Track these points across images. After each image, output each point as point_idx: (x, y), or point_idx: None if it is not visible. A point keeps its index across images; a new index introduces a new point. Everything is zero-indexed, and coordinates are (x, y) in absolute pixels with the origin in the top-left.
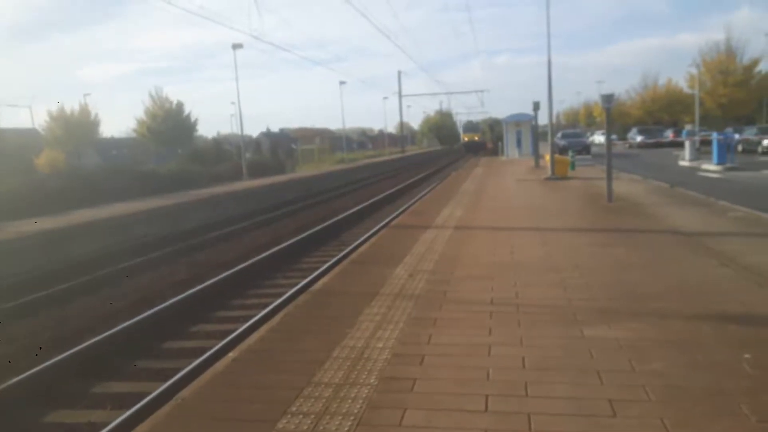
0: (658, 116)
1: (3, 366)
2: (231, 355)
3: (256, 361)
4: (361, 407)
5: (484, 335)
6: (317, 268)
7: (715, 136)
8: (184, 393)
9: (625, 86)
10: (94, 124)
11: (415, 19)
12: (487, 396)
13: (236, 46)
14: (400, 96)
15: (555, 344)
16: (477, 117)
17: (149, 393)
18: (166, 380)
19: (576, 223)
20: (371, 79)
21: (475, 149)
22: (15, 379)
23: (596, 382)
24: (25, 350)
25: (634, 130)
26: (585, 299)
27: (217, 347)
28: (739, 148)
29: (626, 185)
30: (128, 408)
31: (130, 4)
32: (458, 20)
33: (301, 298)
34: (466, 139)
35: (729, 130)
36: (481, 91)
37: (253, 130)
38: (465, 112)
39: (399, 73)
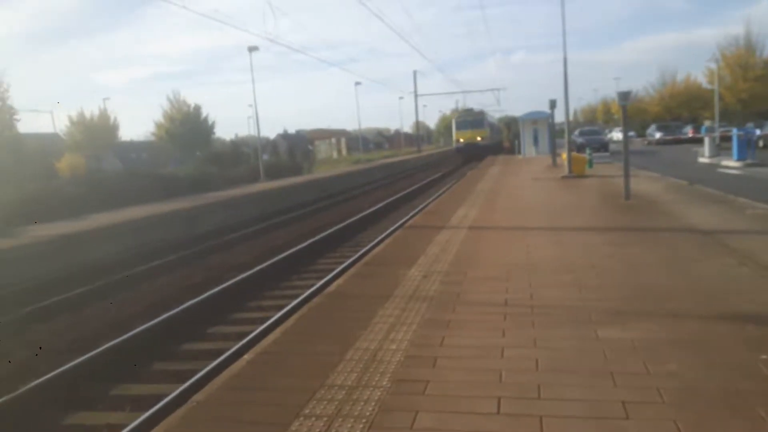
0: (677, 112)
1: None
2: (246, 357)
3: (270, 363)
4: (373, 410)
5: (498, 337)
6: (332, 270)
7: (735, 131)
8: (199, 396)
9: (642, 82)
10: (113, 128)
11: (428, 19)
12: (499, 398)
13: (252, 49)
14: (416, 95)
15: (569, 346)
16: (494, 114)
17: (167, 395)
18: (183, 382)
19: (592, 222)
20: (386, 80)
21: (477, 154)
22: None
23: (609, 383)
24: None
25: (653, 126)
26: (600, 300)
27: (232, 349)
28: (760, 143)
29: (644, 183)
30: (145, 410)
31: (147, 9)
32: (472, 18)
33: (316, 300)
34: (461, 140)
35: (750, 125)
36: (497, 89)
37: (270, 132)
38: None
39: (414, 72)
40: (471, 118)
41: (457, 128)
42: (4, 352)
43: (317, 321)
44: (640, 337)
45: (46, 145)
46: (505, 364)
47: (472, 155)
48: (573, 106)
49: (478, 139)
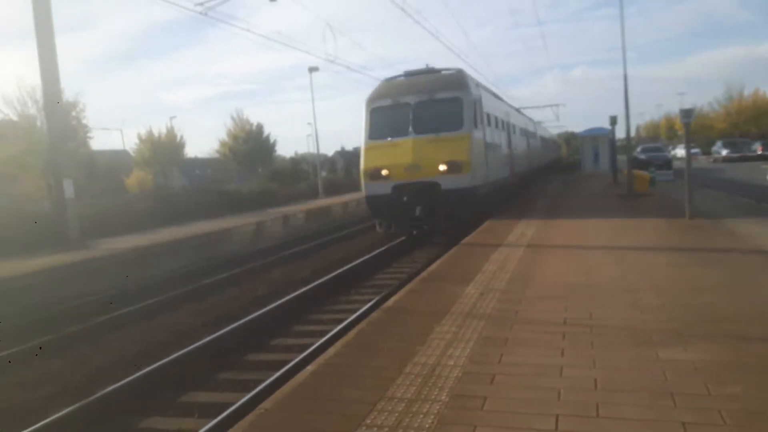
0: (744, 128)
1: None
2: (309, 368)
3: (332, 374)
4: (432, 423)
5: (557, 356)
6: (389, 285)
7: None
8: (266, 404)
9: (707, 98)
10: (179, 146)
11: (485, 36)
12: (557, 416)
13: (312, 69)
14: None
15: (629, 366)
16: (552, 131)
17: (234, 403)
18: (249, 391)
19: (654, 242)
20: None
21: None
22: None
23: (669, 404)
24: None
25: (719, 143)
26: (661, 320)
27: (295, 360)
28: None
29: (709, 202)
30: (214, 416)
31: (213, 31)
32: (529, 36)
33: (374, 315)
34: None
35: None
36: (556, 105)
37: (329, 150)
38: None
39: None
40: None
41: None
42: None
43: (376, 335)
44: (702, 358)
45: (117, 162)
46: (563, 383)
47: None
48: (635, 122)
49: (441, 168)
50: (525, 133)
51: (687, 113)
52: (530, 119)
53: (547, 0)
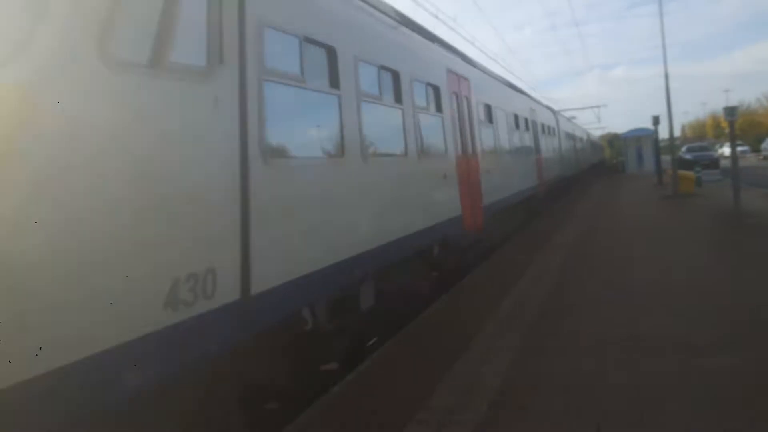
0: None
1: None
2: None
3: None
4: None
5: (598, 365)
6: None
7: None
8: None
9: (756, 93)
10: None
11: (522, 40)
12: (598, 424)
13: None
14: None
15: (668, 372)
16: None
17: None
18: None
19: (700, 245)
20: None
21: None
22: None
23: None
24: None
25: None
26: (706, 327)
27: None
28: None
29: (760, 202)
30: None
31: None
32: (567, 36)
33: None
34: None
35: None
36: (597, 106)
37: None
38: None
39: None
40: None
41: None
42: None
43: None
44: (742, 364)
45: None
46: (605, 392)
47: None
48: (679, 121)
49: None
50: (557, 135)
51: (731, 111)
52: (568, 120)
53: (585, 0)
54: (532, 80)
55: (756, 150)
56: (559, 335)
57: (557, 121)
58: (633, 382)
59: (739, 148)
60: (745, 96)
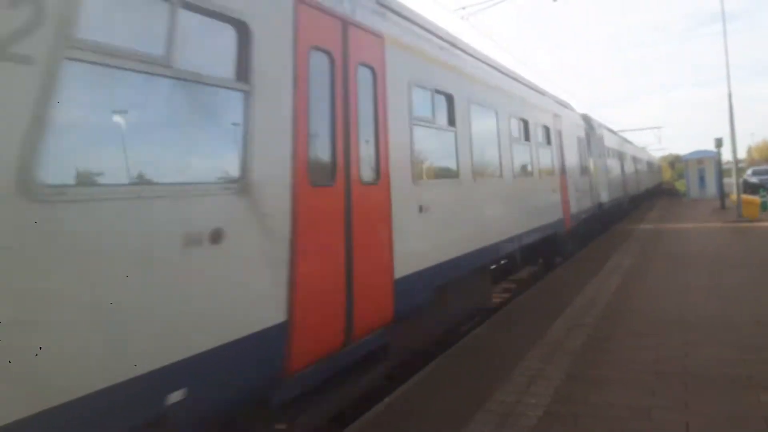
0: None
1: None
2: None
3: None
4: None
5: (646, 397)
6: None
7: None
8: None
9: None
10: None
11: (583, 60)
12: None
13: None
14: None
15: (725, 410)
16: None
17: None
18: None
19: (763, 274)
20: None
21: None
22: None
23: None
24: None
25: None
26: (765, 361)
27: None
28: None
29: None
30: None
31: None
32: (630, 58)
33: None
34: None
35: None
36: (658, 127)
37: None
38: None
39: None
40: None
41: None
42: None
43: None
44: None
45: None
46: (652, 427)
47: None
48: (745, 143)
49: None
50: (621, 158)
51: None
52: (622, 138)
53: (649, 23)
54: (595, 98)
55: None
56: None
57: (622, 145)
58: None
59: None
60: None
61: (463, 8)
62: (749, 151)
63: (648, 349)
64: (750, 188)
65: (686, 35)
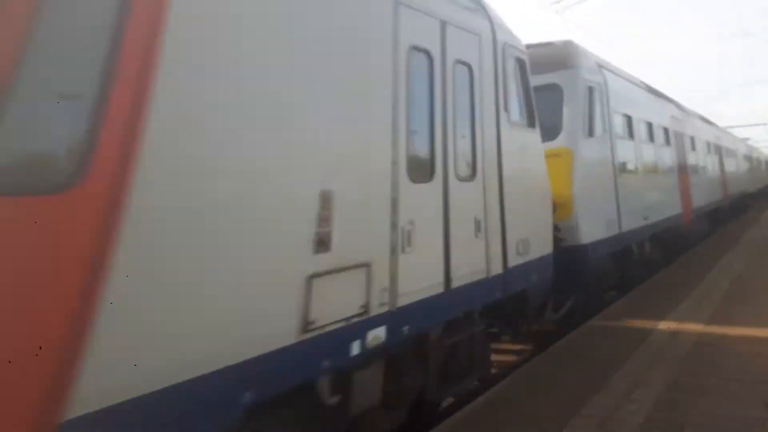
0: None
1: None
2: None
3: None
4: None
5: (760, 410)
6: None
7: None
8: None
9: None
10: None
11: (684, 51)
12: None
13: None
14: None
15: None
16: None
17: None
18: None
19: None
20: None
21: None
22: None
23: None
24: None
25: None
26: None
27: None
28: None
29: None
30: None
31: None
32: (734, 48)
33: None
34: None
35: None
36: (766, 123)
37: None
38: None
39: None
40: None
41: None
42: None
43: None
44: None
45: None
46: None
47: None
48: None
49: None
50: (712, 150)
51: None
52: (727, 134)
53: (756, 9)
54: (693, 94)
55: None
56: None
57: (735, 144)
58: None
59: None
60: None
61: (557, 2)
62: None
63: (759, 357)
64: None
65: None
